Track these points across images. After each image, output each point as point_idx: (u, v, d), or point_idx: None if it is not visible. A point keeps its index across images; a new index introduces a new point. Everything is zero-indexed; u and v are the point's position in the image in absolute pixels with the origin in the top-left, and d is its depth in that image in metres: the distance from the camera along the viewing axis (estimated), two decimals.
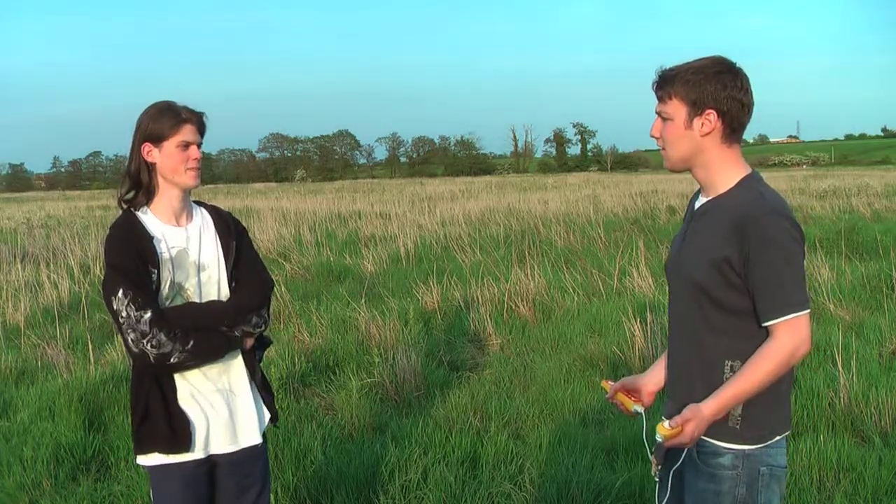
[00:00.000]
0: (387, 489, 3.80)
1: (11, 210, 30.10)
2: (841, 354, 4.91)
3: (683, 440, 1.92)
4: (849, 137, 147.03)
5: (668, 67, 2.02)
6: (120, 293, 2.24)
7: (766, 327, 1.93)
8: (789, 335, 1.90)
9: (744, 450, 1.97)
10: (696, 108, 1.96)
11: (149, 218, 2.39)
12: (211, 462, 2.46)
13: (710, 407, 1.92)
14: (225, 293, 2.46)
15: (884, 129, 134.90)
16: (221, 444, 2.45)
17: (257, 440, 2.53)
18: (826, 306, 7.15)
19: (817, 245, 9.61)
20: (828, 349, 5.57)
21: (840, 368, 4.79)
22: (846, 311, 7.05)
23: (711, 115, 1.96)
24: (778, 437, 2.01)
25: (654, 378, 2.28)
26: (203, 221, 2.50)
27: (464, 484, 3.79)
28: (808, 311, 1.93)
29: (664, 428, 1.93)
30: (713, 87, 1.94)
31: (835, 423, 4.49)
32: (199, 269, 2.42)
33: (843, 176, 37.28)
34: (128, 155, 2.42)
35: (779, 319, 1.90)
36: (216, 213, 2.56)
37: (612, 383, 2.33)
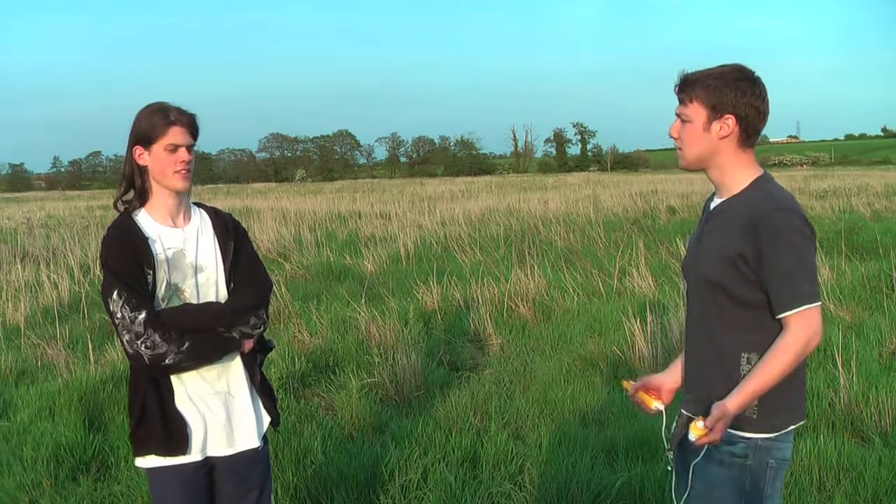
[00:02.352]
0: (387, 489, 3.80)
1: (11, 210, 30.10)
2: (841, 354, 4.91)
3: (714, 437, 1.99)
4: (849, 137, 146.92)
5: (689, 72, 2.11)
6: (115, 294, 2.24)
7: (779, 320, 2.01)
8: (802, 326, 1.98)
9: (756, 440, 2.05)
10: (715, 112, 2.05)
11: (145, 219, 2.39)
12: (210, 464, 2.45)
13: (734, 402, 1.99)
14: (223, 294, 2.45)
15: (884, 129, 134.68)
16: (218, 447, 2.45)
17: (255, 444, 2.51)
18: (826, 306, 7.14)
19: (817, 245, 9.56)
20: (828, 349, 5.57)
21: (840, 368, 4.79)
22: (846, 311, 7.05)
23: (730, 120, 2.05)
24: (791, 427, 2.09)
25: (673, 376, 2.35)
26: (201, 223, 2.49)
27: (464, 484, 3.79)
28: (819, 303, 2.01)
29: (697, 428, 2.01)
30: (733, 94, 2.03)
31: (835, 423, 4.49)
32: (196, 270, 2.41)
33: (843, 176, 37.28)
34: (124, 161, 2.43)
35: (792, 311, 1.98)
36: (215, 214, 2.55)
37: (633, 383, 2.39)
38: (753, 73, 2.07)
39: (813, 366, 5.46)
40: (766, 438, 2.05)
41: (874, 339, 6.11)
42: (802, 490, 3.70)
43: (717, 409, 1.99)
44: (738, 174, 2.09)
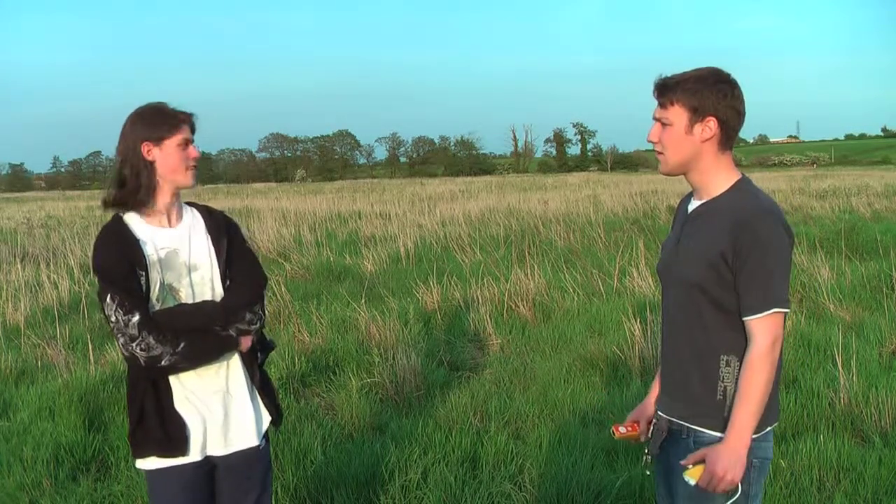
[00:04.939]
0: (387, 489, 3.80)
1: (11, 210, 30.10)
2: (841, 354, 4.91)
3: (717, 473, 1.97)
4: (849, 137, 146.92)
5: (668, 75, 2.10)
6: (108, 298, 2.23)
7: (746, 323, 2.00)
8: (765, 332, 1.98)
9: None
10: (697, 115, 2.05)
11: (135, 221, 2.37)
12: (210, 463, 2.44)
13: (731, 440, 1.99)
14: (219, 293, 2.44)
15: (884, 129, 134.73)
16: (217, 447, 2.44)
17: (254, 442, 2.50)
18: (826, 306, 7.15)
19: (817, 245, 9.61)
20: (828, 349, 5.57)
21: (840, 368, 4.79)
22: (846, 311, 7.05)
23: (712, 122, 2.05)
24: (768, 429, 2.09)
25: (650, 404, 2.37)
26: (193, 221, 2.48)
27: (464, 484, 3.79)
28: (788, 310, 2.01)
29: (690, 472, 2.01)
30: (714, 96, 2.03)
31: (835, 423, 4.49)
32: (190, 269, 2.40)
33: (843, 176, 37.29)
34: (119, 157, 2.39)
35: (762, 314, 1.97)
36: (207, 212, 2.54)
37: (622, 430, 2.37)
38: (730, 75, 2.08)
39: (813, 366, 5.46)
40: (754, 438, 2.03)
41: (874, 339, 6.11)
42: (802, 490, 3.70)
43: (703, 449, 2.01)
44: (718, 177, 2.09)
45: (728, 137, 2.08)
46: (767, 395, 1.98)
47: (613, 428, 2.38)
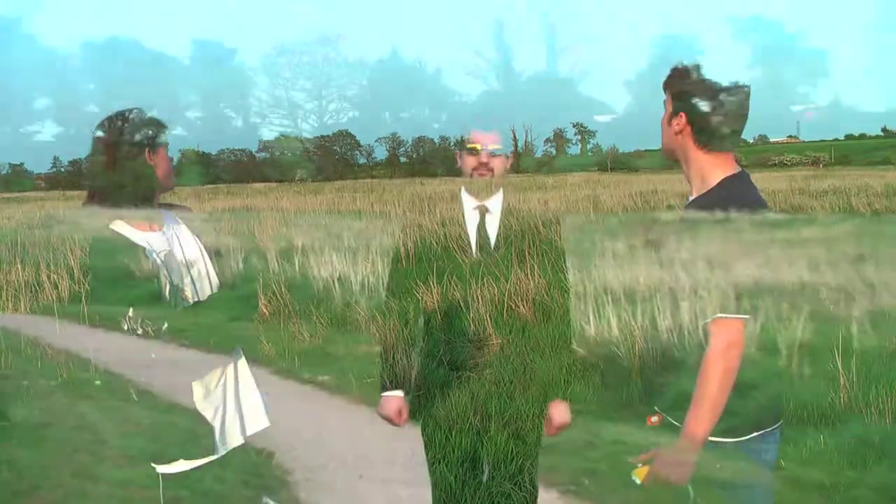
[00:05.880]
0: None
1: (11, 210, 30.09)
2: (841, 354, 4.90)
3: (660, 475, 1.94)
4: (849, 137, 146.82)
5: (682, 65, 2.09)
6: (131, 311, 2.21)
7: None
8: (717, 336, 1.91)
9: (725, 443, 1.98)
10: (675, 108, 2.07)
11: (127, 229, 2.36)
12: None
13: (679, 443, 1.94)
14: (216, 284, 2.46)
15: (884, 129, 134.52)
16: (236, 438, 2.45)
17: (266, 423, 2.53)
18: (826, 306, 7.14)
19: None
20: (828, 349, 5.56)
21: (840, 368, 4.79)
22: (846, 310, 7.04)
23: (682, 118, 2.05)
24: (763, 431, 2.02)
25: None
26: (173, 221, 2.50)
27: (464, 484, 3.78)
28: (741, 316, 1.91)
29: (636, 471, 1.98)
30: (694, 94, 2.02)
31: (835, 423, 4.48)
32: (188, 267, 2.42)
33: (843, 176, 37.28)
34: (116, 165, 2.33)
35: (710, 318, 1.92)
36: (178, 211, 2.56)
37: (654, 419, 2.33)
38: (736, 80, 2.02)
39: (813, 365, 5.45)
40: (741, 441, 2.00)
41: (874, 338, 6.10)
42: (803, 490, 3.69)
43: (654, 449, 1.98)
44: (704, 172, 2.05)
45: (706, 137, 2.01)
46: (721, 400, 1.89)
47: (648, 419, 2.35)
